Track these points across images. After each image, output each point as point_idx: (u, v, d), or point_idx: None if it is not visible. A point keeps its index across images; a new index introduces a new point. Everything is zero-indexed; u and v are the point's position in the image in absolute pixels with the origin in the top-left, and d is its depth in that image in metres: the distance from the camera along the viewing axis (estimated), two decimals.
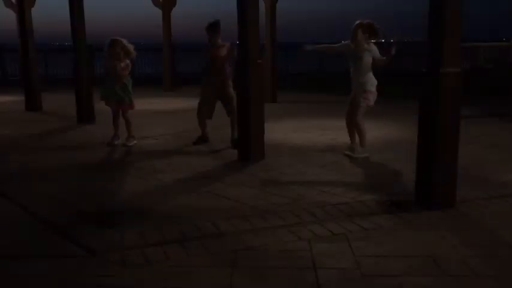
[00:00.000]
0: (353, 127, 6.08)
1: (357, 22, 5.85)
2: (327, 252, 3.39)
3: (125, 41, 6.79)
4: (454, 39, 3.96)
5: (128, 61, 6.80)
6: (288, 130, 7.79)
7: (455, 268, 3.14)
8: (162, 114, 9.65)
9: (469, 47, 19.51)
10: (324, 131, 7.75)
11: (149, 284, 3.01)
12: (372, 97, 5.91)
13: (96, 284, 3.02)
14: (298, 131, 7.77)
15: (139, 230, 3.81)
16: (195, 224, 3.90)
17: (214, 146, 6.78)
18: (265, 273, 3.11)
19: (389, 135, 7.38)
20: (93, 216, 4.21)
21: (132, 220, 4.07)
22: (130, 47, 6.80)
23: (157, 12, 13.95)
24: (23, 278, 3.13)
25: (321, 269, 3.14)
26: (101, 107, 9.45)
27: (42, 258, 3.38)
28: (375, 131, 7.66)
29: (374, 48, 5.87)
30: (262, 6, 10.52)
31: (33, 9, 10.81)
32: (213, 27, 6.63)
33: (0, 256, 3.44)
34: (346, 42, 5.99)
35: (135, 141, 7.00)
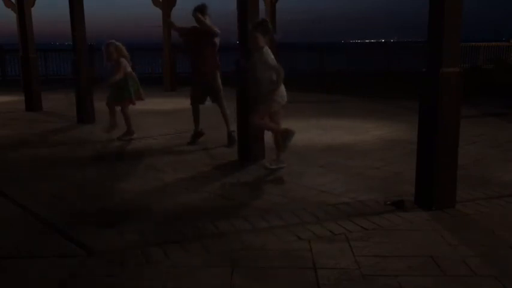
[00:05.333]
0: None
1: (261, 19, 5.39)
2: (327, 252, 3.39)
3: (116, 43, 7.16)
4: (454, 39, 3.96)
5: (121, 59, 7.09)
6: None
7: (455, 268, 3.14)
8: (162, 114, 9.64)
9: (469, 47, 19.54)
10: (324, 131, 7.75)
11: (149, 284, 3.00)
12: None
13: (96, 284, 3.03)
14: (298, 130, 7.74)
15: (139, 230, 3.81)
16: (195, 224, 3.90)
17: (214, 145, 6.77)
18: (265, 273, 3.11)
19: (389, 135, 7.38)
20: (93, 216, 4.21)
21: (132, 220, 4.08)
22: (122, 48, 7.15)
23: (158, 12, 13.95)
24: (23, 278, 3.13)
25: (321, 269, 3.14)
26: (100, 106, 9.49)
27: (42, 258, 3.38)
28: (375, 131, 7.66)
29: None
30: (262, 6, 10.52)
31: (33, 9, 10.82)
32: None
33: (0, 256, 3.44)
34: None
35: (130, 137, 7.28)
